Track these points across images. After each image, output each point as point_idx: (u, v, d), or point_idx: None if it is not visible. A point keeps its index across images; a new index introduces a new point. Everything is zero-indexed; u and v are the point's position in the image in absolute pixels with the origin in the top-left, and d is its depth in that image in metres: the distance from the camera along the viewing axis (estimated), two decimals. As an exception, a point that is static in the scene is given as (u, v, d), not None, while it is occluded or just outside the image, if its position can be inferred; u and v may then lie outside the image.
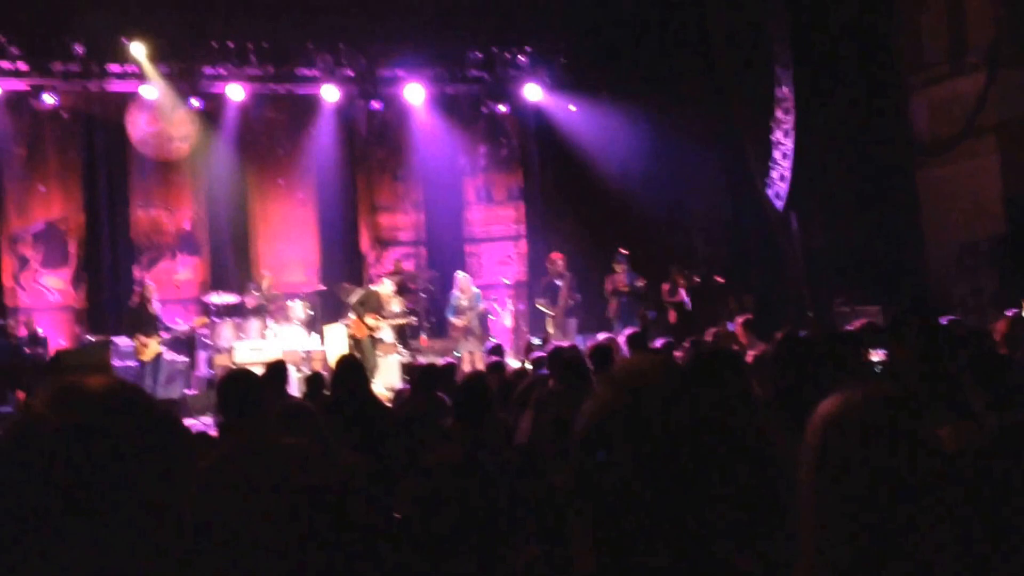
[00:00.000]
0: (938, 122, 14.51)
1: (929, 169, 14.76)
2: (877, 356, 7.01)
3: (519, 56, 16.29)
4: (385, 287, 14.36)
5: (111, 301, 14.73)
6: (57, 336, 14.70)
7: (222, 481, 4.17)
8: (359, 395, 6.61)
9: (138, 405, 1.38)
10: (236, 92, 15.20)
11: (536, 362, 9.03)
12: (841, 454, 1.73)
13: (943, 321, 7.87)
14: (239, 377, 4.59)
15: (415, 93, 16.07)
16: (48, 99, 14.44)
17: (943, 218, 14.31)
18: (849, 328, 7.83)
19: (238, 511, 4.07)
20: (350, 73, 15.48)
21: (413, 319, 14.79)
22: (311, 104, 16.01)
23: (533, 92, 16.51)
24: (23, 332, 13.34)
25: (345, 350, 13.53)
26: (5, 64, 14.04)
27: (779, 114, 14.82)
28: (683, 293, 14.89)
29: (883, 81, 14.58)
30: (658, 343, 9.04)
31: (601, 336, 10.13)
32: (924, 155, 14.84)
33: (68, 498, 1.27)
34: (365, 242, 16.74)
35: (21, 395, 12.20)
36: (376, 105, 16.17)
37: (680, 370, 1.73)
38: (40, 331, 13.70)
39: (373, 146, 16.80)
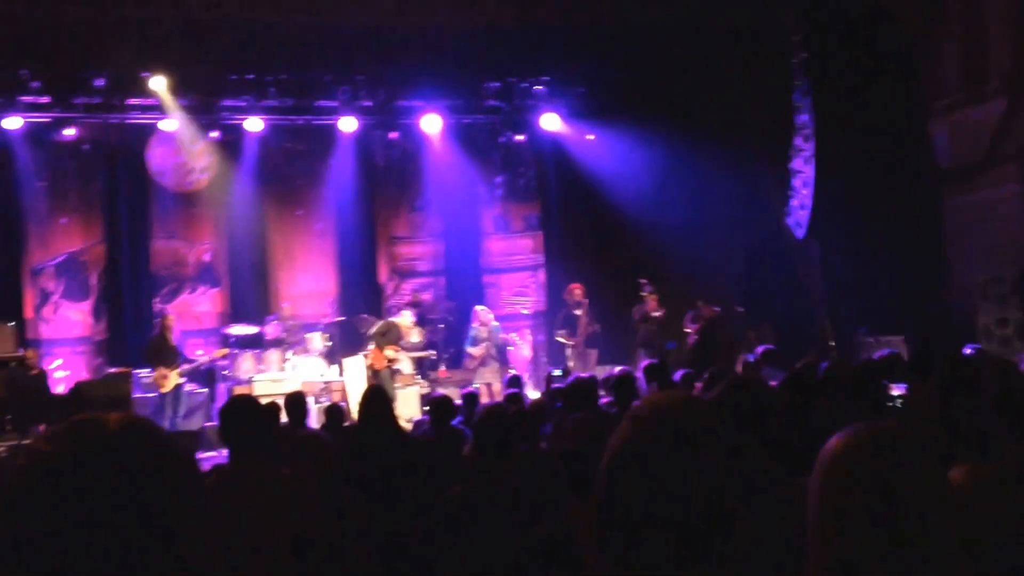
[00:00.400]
0: (960, 149, 14.40)
1: (953, 197, 14.64)
2: (898, 390, 6.94)
3: (536, 86, 16.32)
4: (405, 319, 14.38)
5: (132, 333, 14.75)
6: (78, 368, 14.76)
7: (212, 509, 4.13)
8: (385, 426, 6.59)
9: (150, 440, 1.37)
10: (255, 124, 15.28)
11: (553, 394, 8.97)
12: (845, 492, 1.72)
13: (967, 351, 7.78)
14: (240, 405, 4.55)
15: (432, 123, 16.11)
16: (69, 132, 14.59)
17: (967, 247, 14.17)
18: (868, 360, 7.74)
19: (227, 539, 4.02)
20: (368, 104, 15.55)
21: (432, 353, 14.79)
22: (329, 135, 16.07)
23: (550, 122, 16.53)
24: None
25: (364, 381, 13.53)
26: (27, 98, 14.16)
27: (799, 141, 14.77)
28: (699, 324, 14.85)
29: (904, 107, 14.51)
30: (677, 375, 8.98)
31: (618, 368, 10.08)
32: (947, 183, 14.72)
33: (74, 534, 1.26)
34: (383, 273, 16.76)
35: (43, 428, 12.24)
36: (393, 136, 16.25)
37: (705, 409, 1.73)
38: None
39: (390, 176, 16.86)
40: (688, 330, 15.09)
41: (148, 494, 1.31)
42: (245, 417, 4.36)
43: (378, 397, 6.95)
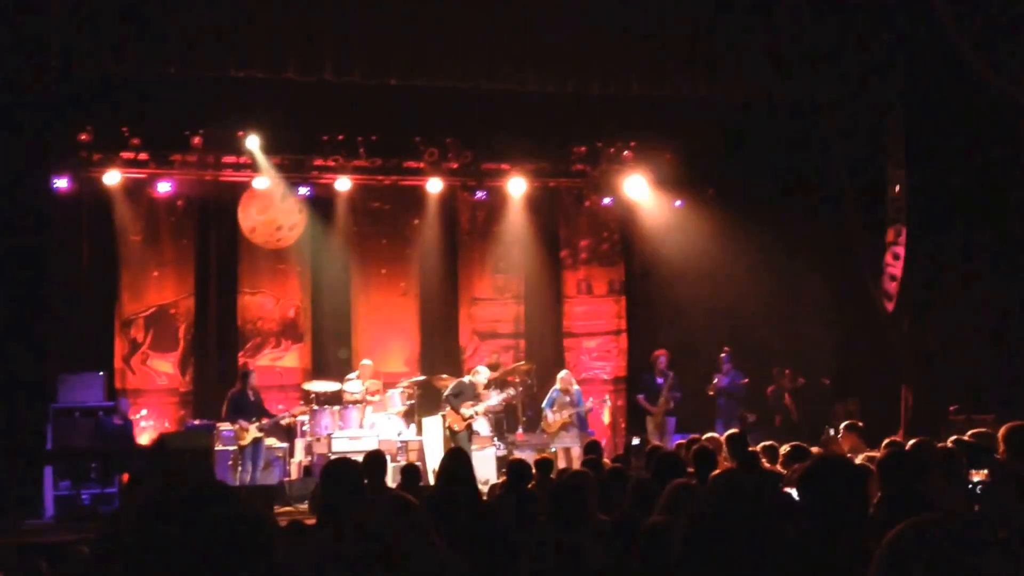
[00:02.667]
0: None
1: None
2: (979, 476, 6.75)
3: (624, 151, 16.36)
4: (480, 375, 14.34)
5: (216, 386, 14.94)
6: (162, 419, 15.01)
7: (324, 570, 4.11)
8: (463, 488, 6.54)
9: (224, 506, 1.40)
10: (344, 183, 15.58)
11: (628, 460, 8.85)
12: None
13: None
14: (341, 465, 4.59)
15: (517, 186, 16.23)
16: (165, 188, 15.00)
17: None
18: (957, 440, 7.53)
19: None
20: (454, 166, 15.75)
21: (512, 397, 14.58)
22: (415, 195, 16.30)
23: (637, 187, 16.51)
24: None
25: (442, 441, 13.50)
26: (127, 154, 14.62)
27: (891, 214, 14.53)
28: (788, 396, 14.68)
29: (1000, 180, 14.18)
30: (758, 447, 8.85)
31: (684, 438, 9.98)
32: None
33: None
34: (464, 334, 16.80)
35: (126, 478, 12.44)
36: (479, 197, 16.38)
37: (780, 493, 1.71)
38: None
39: (474, 238, 16.98)
40: (771, 402, 14.89)
41: (223, 561, 1.34)
42: (347, 477, 4.39)
43: (460, 458, 6.91)
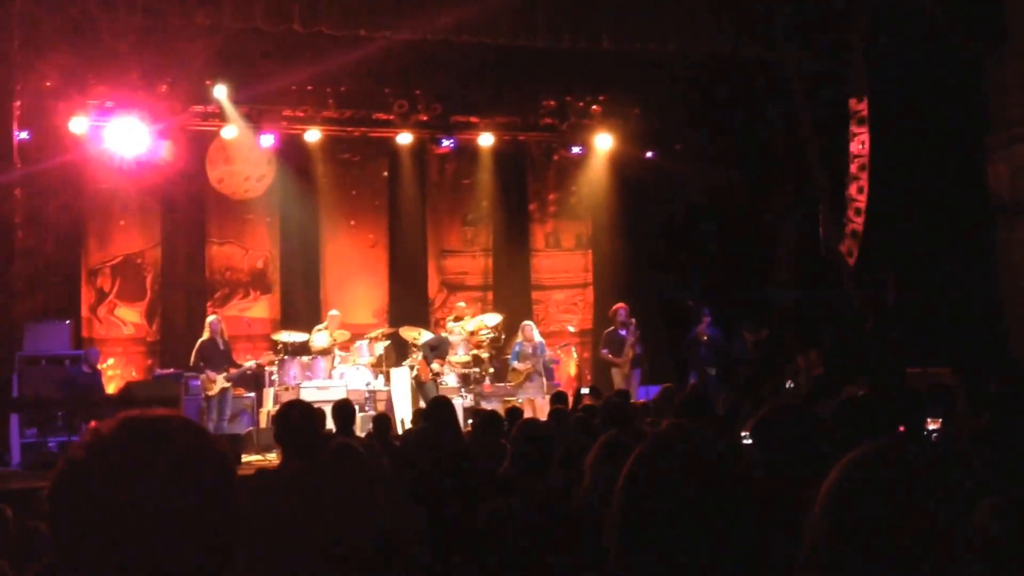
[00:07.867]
0: (1020, 183, 14.17)
1: (1010, 231, 14.41)
2: (935, 424, 6.94)
3: (593, 105, 16.40)
4: (455, 333, 14.47)
5: (184, 336, 14.93)
6: (129, 368, 14.99)
7: (262, 511, 4.20)
8: (451, 434, 6.65)
9: (192, 434, 1.46)
10: (312, 134, 15.51)
11: (588, 411, 8.97)
12: (841, 507, 1.73)
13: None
14: (295, 409, 4.66)
15: (487, 139, 16.25)
16: (130, 135, 14.73)
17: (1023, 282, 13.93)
18: (913, 390, 7.72)
19: (271, 539, 4.08)
20: (424, 118, 15.73)
21: (477, 370, 14.84)
22: (384, 147, 16.29)
23: (605, 141, 16.59)
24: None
25: (409, 392, 13.63)
26: (92, 101, 14.41)
27: (854, 170, 14.66)
28: (751, 348, 14.89)
29: (963, 139, 14.33)
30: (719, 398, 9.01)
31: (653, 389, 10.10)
32: (1004, 216, 14.50)
33: (126, 519, 1.36)
34: (433, 286, 16.87)
35: (92, 425, 12.45)
36: (448, 150, 16.38)
37: (720, 447, 1.78)
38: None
39: (443, 190, 17.00)
40: (737, 356, 15.10)
41: (188, 481, 1.40)
42: (299, 422, 4.45)
43: (446, 406, 7.03)
